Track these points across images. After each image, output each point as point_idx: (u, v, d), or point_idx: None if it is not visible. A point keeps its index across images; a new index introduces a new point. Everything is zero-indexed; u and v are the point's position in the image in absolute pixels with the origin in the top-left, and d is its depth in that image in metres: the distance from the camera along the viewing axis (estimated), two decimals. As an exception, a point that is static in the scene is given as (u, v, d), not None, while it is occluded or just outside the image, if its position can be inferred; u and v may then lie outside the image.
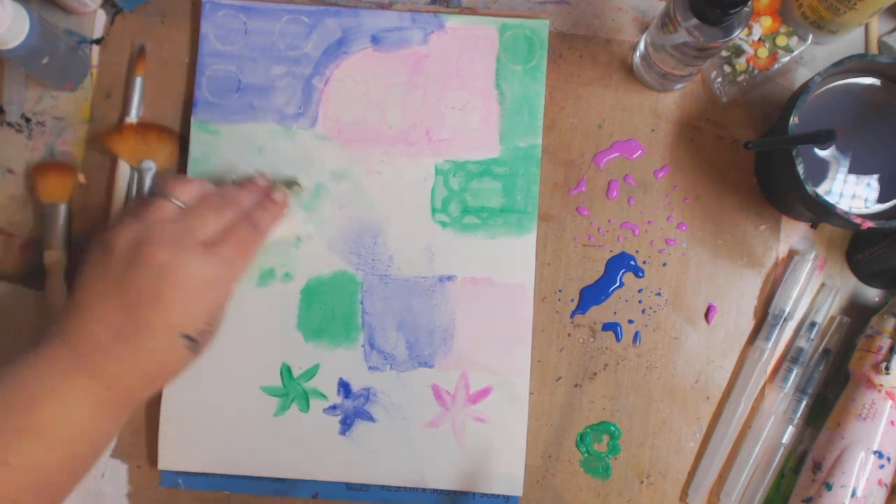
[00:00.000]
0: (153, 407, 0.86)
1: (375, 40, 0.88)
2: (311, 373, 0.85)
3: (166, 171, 0.86)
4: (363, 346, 0.85)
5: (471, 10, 0.89)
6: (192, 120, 0.88)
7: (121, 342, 0.68)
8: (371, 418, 0.85)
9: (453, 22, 0.88)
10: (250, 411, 0.85)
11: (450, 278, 0.86)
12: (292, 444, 0.85)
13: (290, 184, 0.84)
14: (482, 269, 0.86)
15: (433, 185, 0.87)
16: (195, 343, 0.71)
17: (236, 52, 0.88)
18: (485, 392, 0.85)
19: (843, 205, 0.79)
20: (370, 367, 0.85)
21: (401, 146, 0.87)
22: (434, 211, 0.87)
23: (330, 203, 0.87)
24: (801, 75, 0.89)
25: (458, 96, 0.88)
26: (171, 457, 0.85)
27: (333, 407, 0.85)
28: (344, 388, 0.85)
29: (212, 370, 0.85)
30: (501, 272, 0.86)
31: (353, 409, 0.85)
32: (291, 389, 0.85)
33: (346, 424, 0.85)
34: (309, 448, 0.85)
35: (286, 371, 0.85)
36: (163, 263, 0.68)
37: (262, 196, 0.79)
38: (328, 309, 0.86)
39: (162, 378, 0.73)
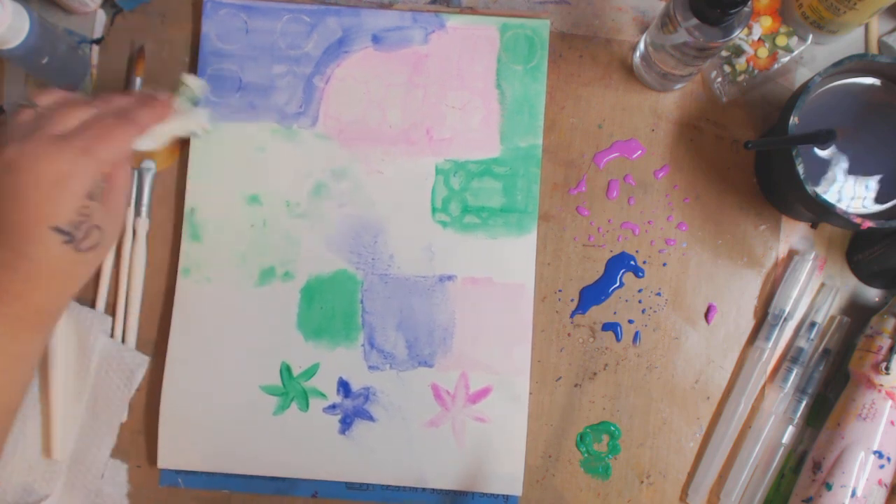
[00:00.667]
0: (153, 406, 0.86)
1: (376, 40, 0.89)
2: (310, 372, 0.85)
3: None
4: (363, 345, 0.86)
5: (471, 10, 0.89)
6: (193, 118, 0.88)
7: None
8: (371, 418, 0.85)
9: (454, 21, 0.89)
10: (250, 410, 0.85)
11: (450, 278, 0.86)
12: (292, 443, 0.85)
13: (178, 84, 0.80)
14: (482, 269, 0.86)
15: (433, 184, 0.87)
16: (71, 236, 0.68)
17: (237, 51, 0.89)
18: (484, 392, 0.85)
19: (843, 205, 0.79)
20: (370, 367, 0.85)
21: (401, 145, 0.87)
22: (434, 210, 0.87)
23: (330, 202, 0.87)
24: (801, 75, 0.89)
25: (459, 96, 0.88)
26: (171, 455, 0.85)
27: (333, 406, 0.85)
28: (343, 387, 0.85)
29: (211, 369, 0.85)
30: (501, 272, 0.86)
31: (353, 409, 0.85)
32: (291, 388, 0.85)
33: (346, 424, 0.85)
34: (308, 447, 0.85)
35: (286, 370, 0.85)
36: (11, 159, 0.66)
37: (143, 97, 0.76)
38: (328, 308, 0.86)
39: (54, 282, 0.70)
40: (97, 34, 0.90)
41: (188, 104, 0.80)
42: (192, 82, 0.80)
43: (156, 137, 0.76)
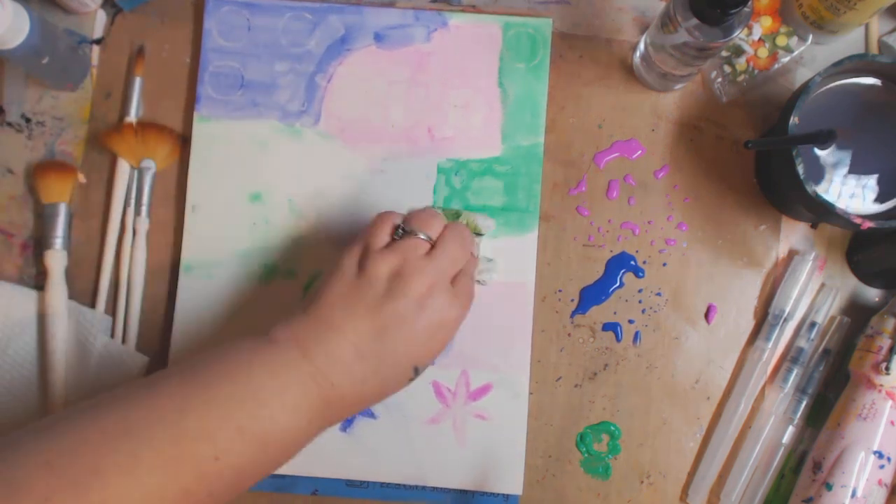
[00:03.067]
0: (154, 405, 0.86)
1: (378, 38, 0.89)
2: (312, 369, 0.85)
3: (416, 211, 0.79)
4: (364, 343, 0.86)
5: (473, 9, 0.89)
6: (195, 116, 0.88)
7: (360, 363, 0.70)
8: (371, 415, 0.85)
9: (457, 20, 0.89)
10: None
11: (451, 276, 0.86)
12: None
13: (476, 230, 0.84)
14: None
15: (435, 183, 0.87)
16: (417, 374, 0.73)
17: (239, 48, 0.89)
18: (485, 389, 0.85)
19: (843, 205, 0.80)
20: (371, 364, 0.85)
21: (403, 144, 0.88)
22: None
23: (332, 200, 0.87)
24: (801, 75, 0.89)
25: (461, 94, 0.88)
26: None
27: (334, 403, 0.85)
28: (345, 384, 0.85)
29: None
30: (502, 271, 0.86)
31: (354, 406, 0.85)
32: (293, 386, 0.85)
33: (347, 421, 0.85)
34: (309, 444, 0.84)
35: (288, 367, 0.85)
36: (421, 299, 0.70)
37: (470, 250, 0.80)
38: (330, 306, 0.86)
39: (374, 402, 0.74)
40: (97, 34, 0.90)
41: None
42: (488, 228, 0.85)
43: None
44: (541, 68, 0.88)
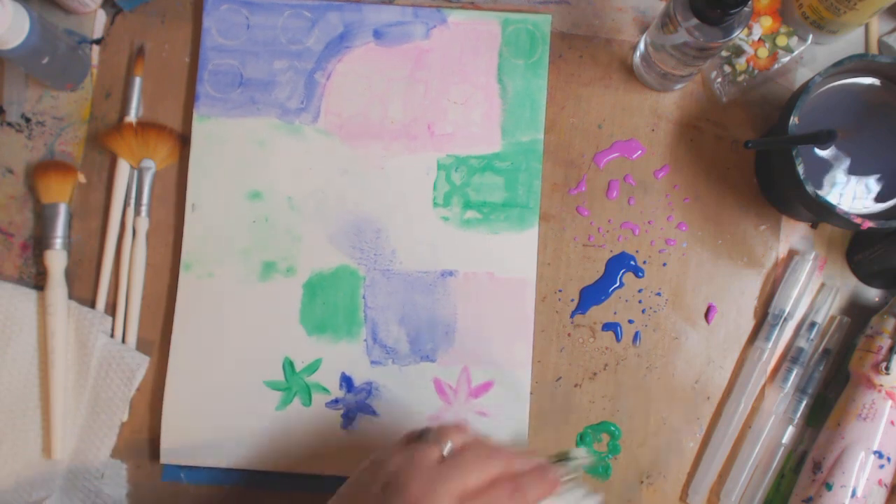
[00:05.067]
0: (155, 401, 0.86)
1: (378, 35, 0.89)
2: (313, 367, 0.85)
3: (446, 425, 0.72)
4: (365, 340, 0.86)
5: (472, 5, 0.90)
6: (194, 114, 0.88)
7: None
8: (373, 412, 0.85)
9: (456, 16, 0.89)
10: (253, 405, 0.85)
11: (451, 273, 0.86)
12: (295, 438, 0.85)
13: (565, 458, 0.77)
14: (484, 264, 0.87)
15: (435, 179, 0.87)
16: None
17: (238, 46, 0.89)
18: (486, 386, 0.85)
19: (843, 205, 0.80)
20: (372, 362, 0.85)
21: (403, 141, 0.88)
22: (436, 205, 0.87)
23: (332, 197, 0.87)
24: (801, 75, 0.89)
25: (461, 91, 0.88)
26: (174, 451, 0.85)
27: (336, 401, 0.85)
28: (346, 382, 0.85)
29: (214, 363, 0.85)
30: (503, 267, 0.87)
31: (356, 404, 0.85)
32: (294, 383, 0.85)
33: (349, 418, 0.85)
34: (311, 442, 0.85)
35: (288, 365, 0.85)
36: (415, 500, 0.64)
37: (537, 466, 0.70)
38: (330, 303, 0.86)
39: None
40: (97, 34, 0.90)
41: (574, 477, 0.75)
42: (580, 454, 0.77)
43: None
44: (540, 65, 0.89)
